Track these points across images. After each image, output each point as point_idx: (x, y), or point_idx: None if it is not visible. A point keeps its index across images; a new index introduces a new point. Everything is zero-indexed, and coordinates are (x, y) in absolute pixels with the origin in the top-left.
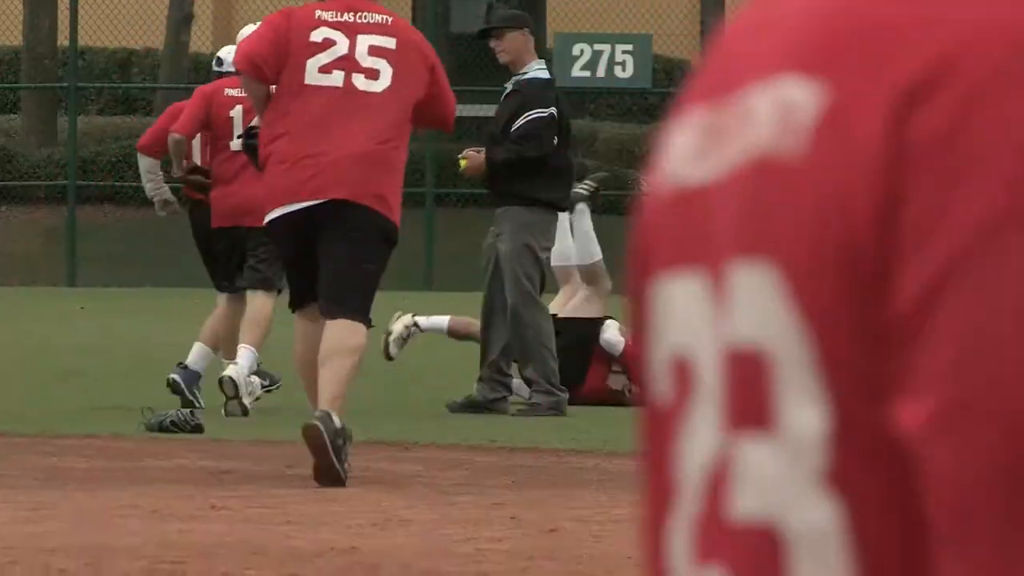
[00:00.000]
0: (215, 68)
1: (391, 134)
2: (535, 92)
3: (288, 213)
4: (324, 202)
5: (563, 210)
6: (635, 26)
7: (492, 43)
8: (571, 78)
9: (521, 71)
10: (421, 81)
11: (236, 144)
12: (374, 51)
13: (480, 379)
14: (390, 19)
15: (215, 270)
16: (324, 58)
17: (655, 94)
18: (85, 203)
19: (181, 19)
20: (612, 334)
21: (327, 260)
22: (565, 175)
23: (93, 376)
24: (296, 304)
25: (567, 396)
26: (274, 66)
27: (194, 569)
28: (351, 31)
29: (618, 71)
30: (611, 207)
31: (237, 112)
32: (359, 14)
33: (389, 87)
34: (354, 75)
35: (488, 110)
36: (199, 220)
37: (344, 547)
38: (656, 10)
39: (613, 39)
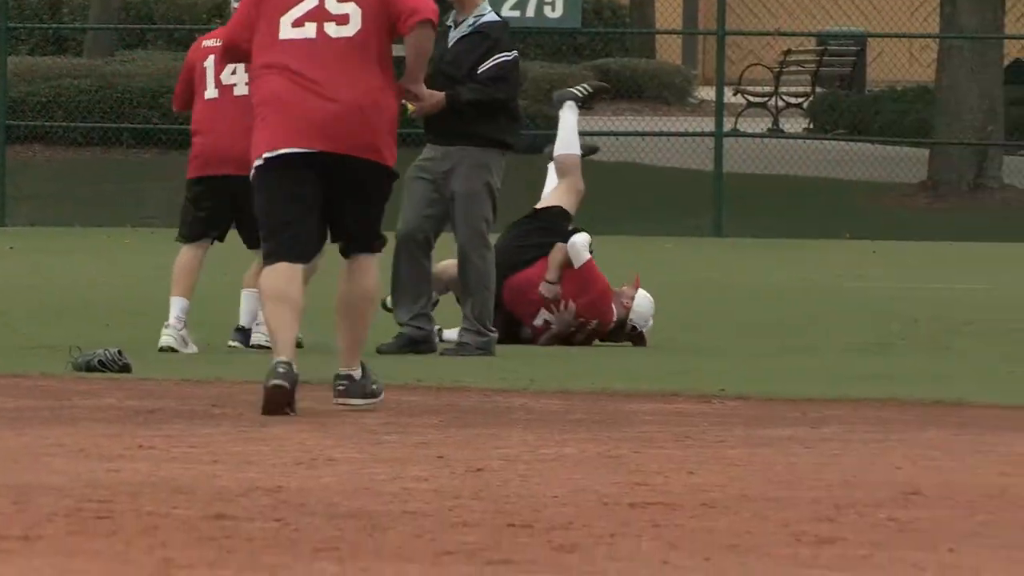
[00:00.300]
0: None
1: (375, 79)
2: (501, 35)
3: (284, 154)
4: (319, 152)
5: (511, 150)
6: None
7: None
8: (501, 17)
9: (475, 12)
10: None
11: (212, 93)
12: None
13: (415, 315)
14: None
15: (195, 218)
16: (296, 12)
17: (584, 34)
18: (15, 143)
19: None
20: (582, 242)
21: (339, 214)
22: (519, 118)
23: (21, 316)
24: (283, 254)
25: (496, 336)
26: (246, 46)
27: (120, 508)
28: None
29: (547, 11)
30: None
31: (210, 62)
32: None
33: (360, 29)
34: (326, 24)
35: None
36: None
37: (270, 486)
38: None
39: None
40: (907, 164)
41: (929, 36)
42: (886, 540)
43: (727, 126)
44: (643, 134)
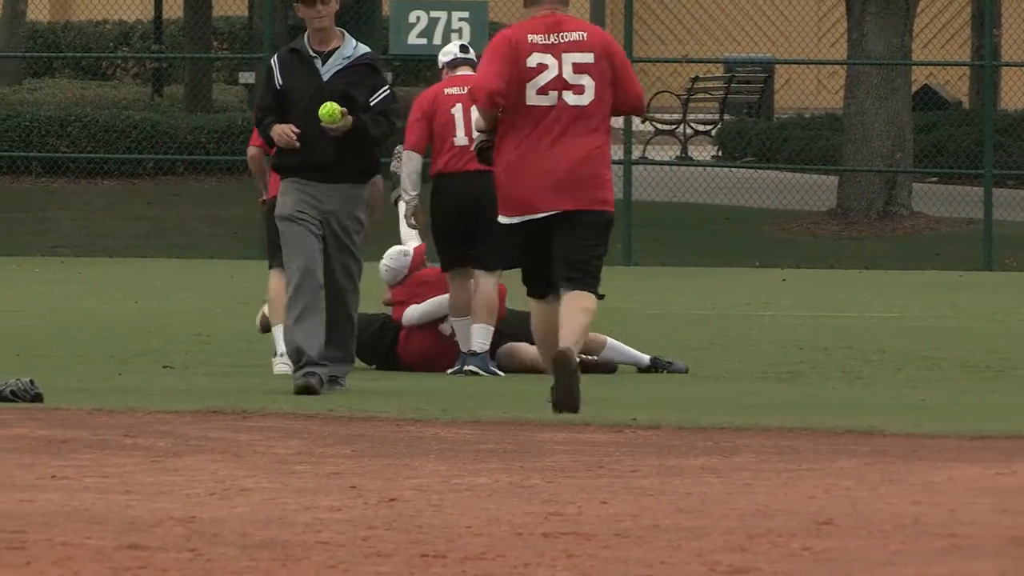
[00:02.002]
0: (459, 53)
1: (600, 139)
2: (381, 67)
3: (523, 221)
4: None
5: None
6: None
7: (318, 7)
8: (407, 45)
9: (343, 43)
10: (611, 82)
11: (461, 140)
12: (578, 68)
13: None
14: (585, 34)
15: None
16: (540, 80)
17: None
18: None
19: None
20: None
21: (562, 253)
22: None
23: None
24: (532, 291)
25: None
26: (508, 96)
27: (34, 539)
28: (557, 52)
29: (454, 38)
30: None
31: (457, 110)
32: (561, 34)
33: (593, 99)
34: (564, 92)
35: None
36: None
37: (183, 516)
38: None
39: (449, 6)
40: (816, 191)
41: (837, 63)
42: (800, 570)
43: (635, 154)
44: None
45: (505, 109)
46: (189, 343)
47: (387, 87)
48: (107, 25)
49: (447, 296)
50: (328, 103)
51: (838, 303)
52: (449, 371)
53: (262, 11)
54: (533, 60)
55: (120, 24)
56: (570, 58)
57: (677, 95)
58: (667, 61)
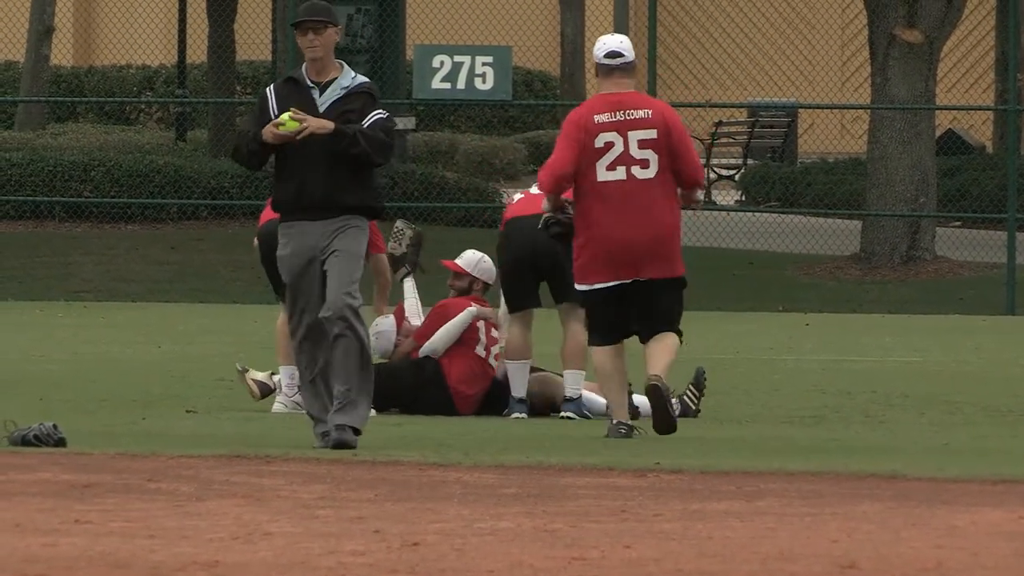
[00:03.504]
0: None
1: (667, 205)
2: (379, 96)
3: (599, 288)
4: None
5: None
6: (495, 38)
7: (310, 36)
8: (431, 90)
9: (342, 73)
10: (670, 155)
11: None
12: (642, 144)
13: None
14: (650, 112)
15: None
16: (608, 158)
17: (515, 106)
18: None
19: (42, 32)
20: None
21: (643, 315)
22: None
23: None
24: (603, 340)
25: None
26: (573, 177)
27: None
28: (623, 129)
29: (478, 83)
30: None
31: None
32: (627, 111)
33: (658, 171)
34: (632, 167)
35: None
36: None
37: (206, 561)
38: (515, 22)
39: (473, 51)
40: (839, 236)
41: (860, 107)
42: None
43: None
44: None
45: (578, 187)
46: (212, 387)
47: (383, 112)
48: (131, 70)
49: (453, 322)
50: (282, 115)
51: (861, 347)
52: (505, 413)
53: (285, 56)
54: (600, 140)
55: (144, 69)
56: (635, 135)
57: (701, 140)
58: (690, 106)
